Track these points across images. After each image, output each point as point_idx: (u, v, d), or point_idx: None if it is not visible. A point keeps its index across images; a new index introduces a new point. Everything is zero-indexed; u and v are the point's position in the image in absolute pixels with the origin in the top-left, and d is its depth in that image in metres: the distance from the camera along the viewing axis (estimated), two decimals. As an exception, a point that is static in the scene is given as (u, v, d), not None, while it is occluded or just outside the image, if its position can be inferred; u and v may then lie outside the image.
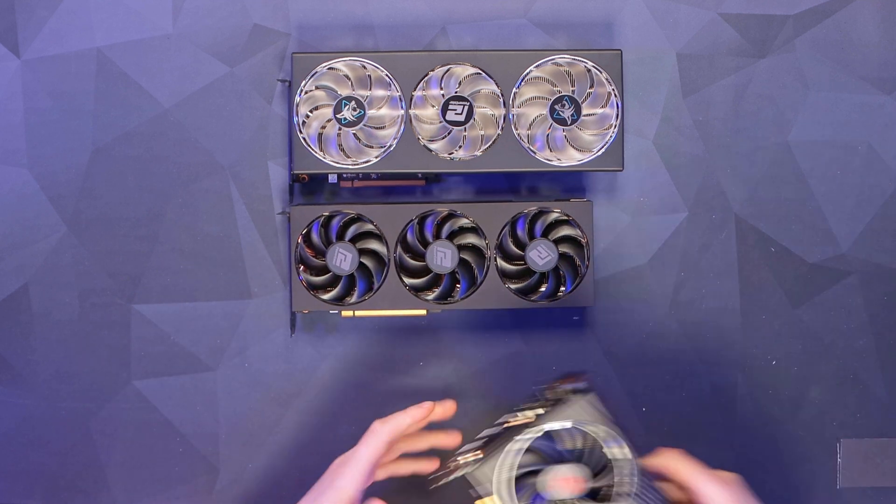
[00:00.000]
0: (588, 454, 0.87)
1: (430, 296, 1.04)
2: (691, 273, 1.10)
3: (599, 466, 0.87)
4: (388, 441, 0.94)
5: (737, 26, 1.10)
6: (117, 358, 1.08)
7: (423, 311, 1.05)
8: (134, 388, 1.09)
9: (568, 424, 0.87)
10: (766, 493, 1.11)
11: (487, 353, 1.10)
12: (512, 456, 0.87)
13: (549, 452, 0.87)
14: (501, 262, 1.04)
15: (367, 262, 1.03)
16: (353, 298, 1.04)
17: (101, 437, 1.09)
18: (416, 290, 1.04)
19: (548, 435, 0.87)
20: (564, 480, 0.86)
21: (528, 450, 0.87)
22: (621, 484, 0.86)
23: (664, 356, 1.10)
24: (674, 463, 0.91)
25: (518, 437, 0.87)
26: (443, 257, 1.02)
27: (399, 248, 1.03)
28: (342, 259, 1.02)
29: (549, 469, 0.86)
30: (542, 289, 1.04)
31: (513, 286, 1.04)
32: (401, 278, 1.03)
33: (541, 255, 1.03)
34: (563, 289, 1.04)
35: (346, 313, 1.06)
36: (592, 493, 0.87)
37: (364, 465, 0.92)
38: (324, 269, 1.03)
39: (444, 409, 0.99)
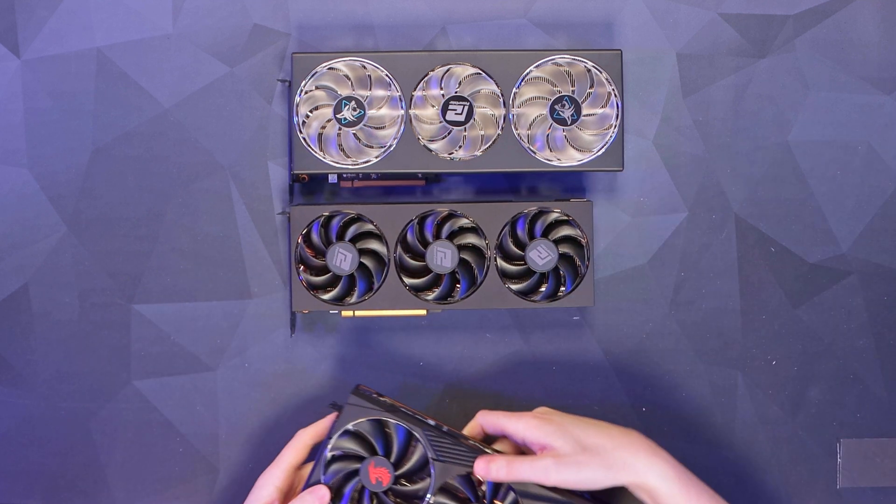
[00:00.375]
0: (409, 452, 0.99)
1: (430, 296, 1.04)
2: (691, 273, 1.10)
3: (417, 464, 0.99)
4: (309, 445, 1.00)
5: (737, 26, 1.10)
6: (117, 358, 1.08)
7: (423, 311, 1.05)
8: (134, 388, 1.09)
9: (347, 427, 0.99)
10: (766, 493, 1.11)
11: (487, 353, 1.10)
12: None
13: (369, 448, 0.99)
14: (501, 263, 1.04)
15: (367, 262, 1.03)
16: (353, 298, 1.03)
17: (101, 437, 1.09)
18: (416, 290, 1.04)
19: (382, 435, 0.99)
20: (372, 469, 0.98)
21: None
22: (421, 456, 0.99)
23: (664, 356, 1.10)
24: (481, 419, 1.00)
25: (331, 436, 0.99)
26: (443, 257, 1.02)
27: (399, 248, 1.03)
28: (342, 259, 1.02)
29: (365, 460, 0.98)
30: (542, 289, 1.04)
31: (513, 286, 1.04)
32: (401, 278, 1.03)
33: (541, 256, 1.03)
34: (563, 289, 1.04)
35: (346, 313, 1.06)
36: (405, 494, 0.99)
37: (284, 466, 0.99)
38: (324, 269, 1.03)
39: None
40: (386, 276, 1.03)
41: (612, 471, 0.94)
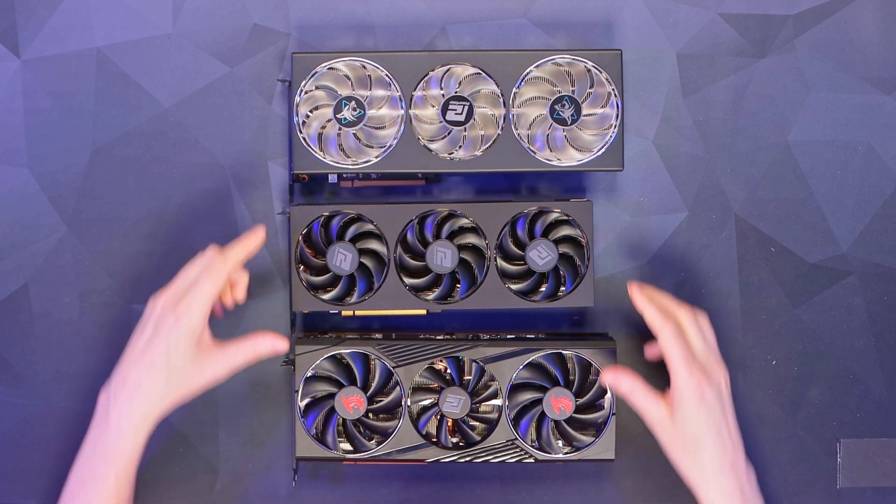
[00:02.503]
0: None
1: (430, 296, 1.04)
2: (691, 273, 1.10)
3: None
4: (226, 276, 0.98)
5: (737, 26, 1.10)
6: (117, 358, 1.08)
7: (424, 311, 1.05)
8: (134, 388, 1.08)
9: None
10: (766, 492, 1.10)
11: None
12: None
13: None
14: (501, 262, 1.04)
15: (368, 262, 1.03)
16: (354, 298, 1.04)
17: (101, 437, 1.09)
18: (416, 289, 1.04)
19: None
20: (345, 400, 1.02)
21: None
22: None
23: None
24: (663, 337, 0.98)
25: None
26: (443, 257, 1.02)
27: (399, 248, 1.03)
28: (342, 259, 1.02)
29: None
30: (542, 289, 1.04)
31: (513, 286, 1.04)
32: (401, 278, 1.03)
33: (541, 255, 1.03)
34: (562, 289, 1.04)
35: (346, 313, 1.06)
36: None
37: (209, 297, 0.97)
38: (324, 269, 1.03)
39: (261, 236, 1.01)
40: (386, 276, 1.03)
41: (687, 478, 0.97)
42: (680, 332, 0.98)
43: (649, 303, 0.99)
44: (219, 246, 0.99)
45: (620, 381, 0.99)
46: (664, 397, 0.98)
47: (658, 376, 1.09)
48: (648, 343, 1.08)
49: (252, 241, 1.00)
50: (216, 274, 0.97)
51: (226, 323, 1.08)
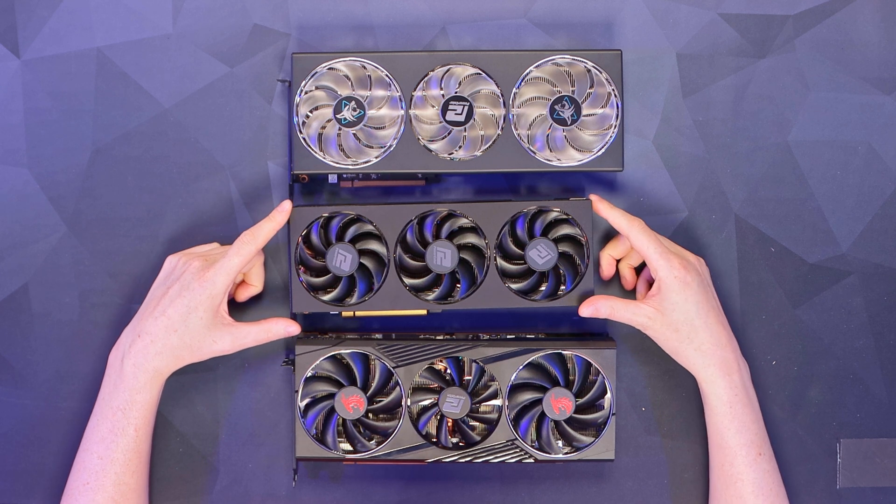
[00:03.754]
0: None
1: (430, 296, 1.04)
2: (691, 273, 1.10)
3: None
4: (255, 251, 1.01)
5: (737, 26, 1.10)
6: (117, 358, 1.09)
7: (424, 311, 1.05)
8: (134, 388, 1.09)
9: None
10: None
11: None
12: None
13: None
14: (501, 262, 1.04)
15: (367, 262, 1.03)
16: (354, 299, 1.03)
17: (101, 437, 1.09)
18: (416, 290, 1.04)
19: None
20: (345, 400, 1.02)
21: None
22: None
23: (665, 356, 1.09)
24: (634, 235, 1.02)
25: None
26: (443, 257, 1.02)
27: (399, 249, 1.03)
28: (342, 260, 1.02)
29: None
30: (543, 288, 1.04)
31: (513, 285, 1.04)
32: (401, 278, 1.03)
33: (540, 255, 1.03)
34: (562, 287, 1.04)
35: (347, 314, 1.06)
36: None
37: (235, 268, 1.00)
38: (324, 270, 1.03)
39: (287, 209, 1.03)
40: (386, 276, 1.03)
41: (688, 362, 1.02)
42: (647, 228, 1.02)
43: (612, 208, 1.02)
44: (250, 229, 1.01)
45: (599, 308, 1.01)
46: (646, 300, 1.01)
47: (663, 365, 1.09)
48: (640, 280, 1.09)
49: (278, 216, 1.02)
50: (245, 248, 1.00)
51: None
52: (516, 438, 1.03)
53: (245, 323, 1.02)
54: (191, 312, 0.99)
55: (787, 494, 1.05)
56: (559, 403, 1.02)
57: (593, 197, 1.03)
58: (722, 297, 1.10)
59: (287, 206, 1.02)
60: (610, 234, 1.09)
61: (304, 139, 1.02)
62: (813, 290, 1.11)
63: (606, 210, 1.02)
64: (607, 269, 1.08)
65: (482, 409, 1.04)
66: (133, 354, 0.99)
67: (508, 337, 1.07)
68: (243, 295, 1.07)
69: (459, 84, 1.02)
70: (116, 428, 0.99)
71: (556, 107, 1.02)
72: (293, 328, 1.02)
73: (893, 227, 1.11)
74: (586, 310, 1.01)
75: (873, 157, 1.11)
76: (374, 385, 1.03)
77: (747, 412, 1.02)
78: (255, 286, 1.06)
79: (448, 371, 1.04)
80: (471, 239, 1.04)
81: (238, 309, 1.08)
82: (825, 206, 1.11)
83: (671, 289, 1.00)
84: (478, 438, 1.03)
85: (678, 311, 1.00)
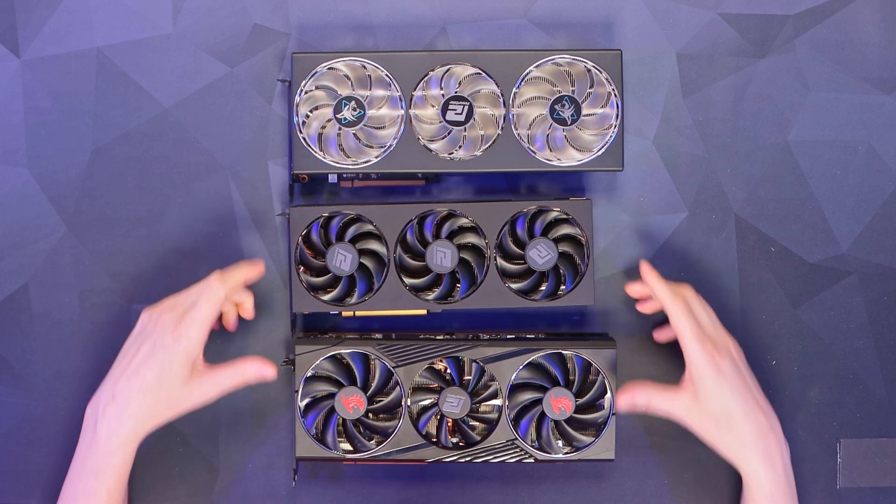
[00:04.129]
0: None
1: (431, 296, 1.04)
2: (691, 273, 1.10)
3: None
4: (223, 296, 0.99)
5: (737, 26, 1.10)
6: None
7: (424, 311, 1.05)
8: (134, 388, 1.08)
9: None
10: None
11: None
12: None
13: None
14: (501, 262, 1.04)
15: (367, 262, 1.03)
16: (354, 299, 1.03)
17: (101, 437, 1.09)
18: (416, 289, 1.04)
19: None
20: (345, 400, 1.02)
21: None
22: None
23: (664, 356, 1.10)
24: (675, 315, 1.00)
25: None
26: (443, 257, 1.02)
27: (399, 248, 1.03)
28: (342, 260, 1.02)
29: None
30: (543, 288, 1.04)
31: (513, 285, 1.04)
32: (401, 278, 1.03)
33: (540, 254, 1.03)
34: (563, 287, 1.04)
35: (347, 314, 1.06)
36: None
37: (207, 318, 0.98)
38: (324, 270, 1.03)
39: (259, 270, 1.04)
40: (386, 276, 1.03)
41: (730, 456, 0.99)
42: (689, 309, 1.00)
43: (660, 280, 1.01)
44: (220, 271, 1.00)
45: (636, 399, 1.00)
46: (681, 388, 0.99)
47: (664, 365, 1.09)
48: (657, 329, 1.08)
49: (250, 271, 1.02)
50: (214, 297, 0.98)
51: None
52: (516, 438, 1.03)
53: (221, 367, 1.00)
54: (165, 371, 0.97)
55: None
56: (559, 403, 1.02)
57: (643, 264, 1.02)
58: (722, 297, 1.10)
59: (260, 266, 1.03)
60: (612, 235, 1.10)
61: (304, 139, 1.02)
62: (813, 290, 1.11)
63: (654, 282, 1.01)
64: (639, 301, 1.08)
65: (482, 408, 1.04)
66: (106, 418, 0.97)
67: (508, 337, 1.07)
68: (229, 325, 1.06)
69: (459, 84, 1.02)
70: (89, 490, 0.98)
71: (556, 107, 1.02)
72: (268, 371, 1.00)
73: (893, 227, 1.11)
74: (623, 403, 1.00)
75: (873, 157, 1.11)
76: (374, 385, 1.03)
77: (786, 499, 1.00)
78: (246, 317, 1.05)
79: (448, 371, 1.04)
80: (471, 239, 1.04)
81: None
82: (825, 206, 1.11)
83: (704, 374, 0.98)
84: (478, 438, 1.03)
85: (714, 399, 0.98)
